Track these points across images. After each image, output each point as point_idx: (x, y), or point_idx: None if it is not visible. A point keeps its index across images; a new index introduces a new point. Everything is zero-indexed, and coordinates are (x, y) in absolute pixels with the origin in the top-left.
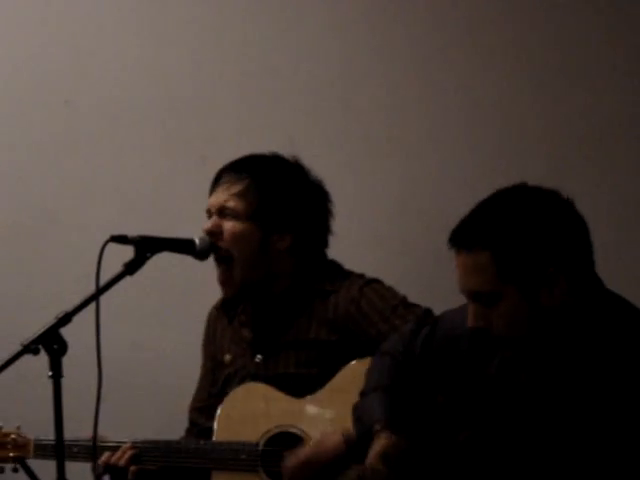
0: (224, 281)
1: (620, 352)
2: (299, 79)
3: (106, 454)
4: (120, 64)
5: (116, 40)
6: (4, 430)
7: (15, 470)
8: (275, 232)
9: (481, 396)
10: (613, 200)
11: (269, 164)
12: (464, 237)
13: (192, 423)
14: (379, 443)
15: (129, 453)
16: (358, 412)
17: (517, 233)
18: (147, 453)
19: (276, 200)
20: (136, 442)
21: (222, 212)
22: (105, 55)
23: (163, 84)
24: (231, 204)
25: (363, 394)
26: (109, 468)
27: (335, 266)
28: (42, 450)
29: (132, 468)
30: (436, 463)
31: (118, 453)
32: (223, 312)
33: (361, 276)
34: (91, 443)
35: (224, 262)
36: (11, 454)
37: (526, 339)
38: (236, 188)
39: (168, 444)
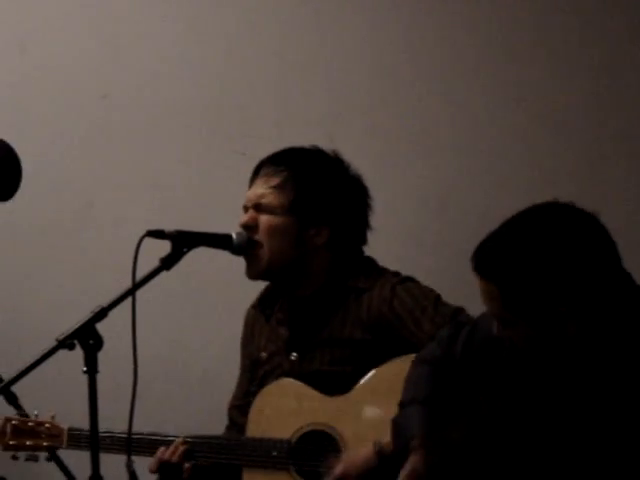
0: (249, 260)
1: None
2: (337, 75)
3: (160, 450)
4: (158, 59)
5: (155, 35)
6: (39, 419)
7: (49, 459)
8: (312, 225)
9: (524, 393)
10: None
11: (308, 157)
12: (479, 264)
13: (231, 421)
14: (411, 462)
15: (182, 449)
16: (397, 426)
17: (526, 276)
18: (200, 448)
19: (314, 193)
20: (191, 436)
21: (258, 207)
22: (143, 50)
23: (201, 79)
24: (267, 199)
25: (402, 405)
26: (162, 465)
27: (370, 263)
28: (76, 440)
29: (187, 465)
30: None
31: (171, 448)
32: (260, 311)
33: (395, 274)
34: (125, 435)
35: (251, 248)
36: (45, 443)
37: (545, 361)
38: (274, 181)
39: (201, 438)
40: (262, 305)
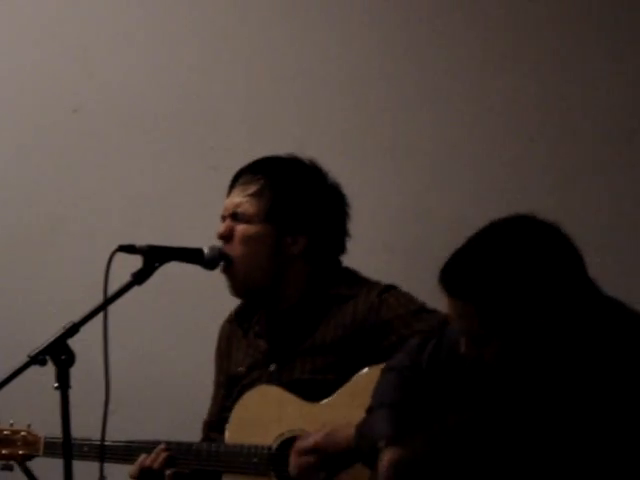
0: (229, 277)
1: (617, 356)
2: (309, 84)
3: (142, 456)
4: (129, 72)
5: (125, 49)
6: (14, 427)
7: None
8: (288, 234)
9: (489, 405)
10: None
11: (285, 165)
12: (449, 284)
13: (205, 437)
14: (388, 457)
15: (163, 455)
16: (362, 429)
17: (500, 289)
18: (183, 456)
19: (290, 201)
20: (170, 443)
21: (235, 216)
22: (114, 64)
23: (172, 93)
24: (243, 208)
25: (368, 411)
26: (142, 472)
27: (350, 273)
28: (52, 448)
29: (168, 472)
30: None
31: (152, 455)
32: (237, 324)
33: (377, 283)
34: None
35: (226, 265)
36: (20, 451)
37: (517, 375)
38: (250, 189)
39: (181, 445)
40: (239, 319)
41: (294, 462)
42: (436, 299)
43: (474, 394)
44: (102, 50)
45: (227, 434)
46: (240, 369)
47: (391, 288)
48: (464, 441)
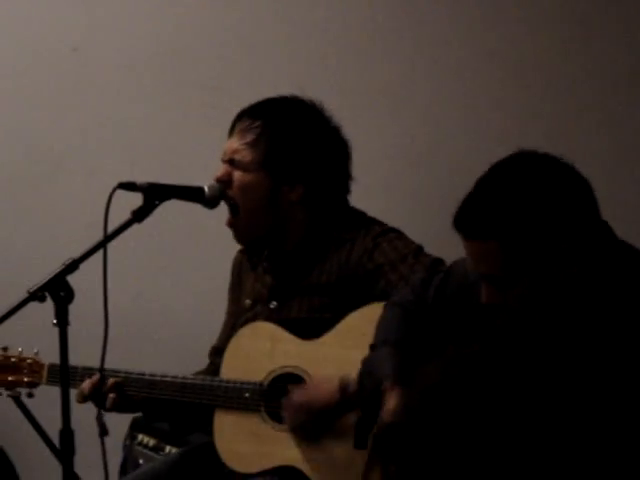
0: (232, 227)
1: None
2: (310, 24)
3: (86, 381)
4: (128, 13)
5: None
6: (22, 355)
7: (30, 395)
8: (285, 182)
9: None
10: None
11: (285, 109)
12: (469, 225)
13: (210, 362)
14: (392, 400)
15: (111, 381)
16: (367, 366)
17: (523, 221)
18: (132, 384)
19: (287, 149)
20: (130, 372)
21: (232, 162)
22: (113, 3)
23: (171, 33)
24: (240, 155)
25: (373, 347)
26: (89, 396)
27: (356, 213)
28: (55, 376)
29: (111, 395)
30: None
31: (94, 379)
32: (247, 258)
33: (380, 224)
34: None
35: (231, 211)
36: (25, 379)
37: (542, 317)
38: (248, 136)
39: (174, 378)
40: (248, 253)
41: (287, 419)
42: (435, 243)
43: (482, 330)
44: None
45: (222, 369)
46: (246, 301)
47: (389, 232)
48: (472, 372)
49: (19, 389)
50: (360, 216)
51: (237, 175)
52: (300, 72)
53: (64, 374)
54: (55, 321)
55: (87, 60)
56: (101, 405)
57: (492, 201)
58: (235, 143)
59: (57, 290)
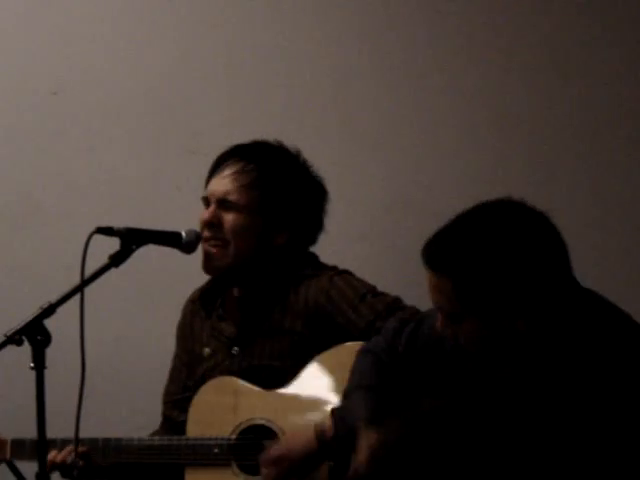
0: (208, 256)
1: (596, 354)
2: (289, 73)
3: (51, 452)
4: (108, 57)
5: (104, 33)
6: None
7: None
8: (275, 227)
9: (465, 392)
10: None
11: (276, 155)
12: (430, 257)
13: (165, 417)
14: (367, 441)
15: (79, 450)
16: (340, 412)
17: (480, 267)
18: (98, 452)
19: (280, 195)
20: (95, 439)
21: (223, 203)
22: (93, 47)
23: (151, 77)
24: (234, 196)
25: (346, 394)
26: (56, 466)
27: (311, 257)
28: (19, 450)
29: (79, 464)
30: (425, 458)
31: (64, 452)
32: (201, 305)
33: (333, 268)
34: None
35: (220, 242)
36: None
37: (492, 357)
38: (242, 180)
39: (140, 441)
40: (203, 300)
41: (264, 475)
42: (411, 287)
43: (451, 380)
44: (81, 33)
45: (187, 427)
46: (206, 350)
47: (343, 272)
48: (438, 426)
49: None
50: (314, 258)
51: (230, 217)
52: (280, 118)
53: (40, 419)
54: (32, 365)
55: (66, 104)
56: (68, 475)
57: (456, 239)
58: (227, 185)
59: (34, 334)
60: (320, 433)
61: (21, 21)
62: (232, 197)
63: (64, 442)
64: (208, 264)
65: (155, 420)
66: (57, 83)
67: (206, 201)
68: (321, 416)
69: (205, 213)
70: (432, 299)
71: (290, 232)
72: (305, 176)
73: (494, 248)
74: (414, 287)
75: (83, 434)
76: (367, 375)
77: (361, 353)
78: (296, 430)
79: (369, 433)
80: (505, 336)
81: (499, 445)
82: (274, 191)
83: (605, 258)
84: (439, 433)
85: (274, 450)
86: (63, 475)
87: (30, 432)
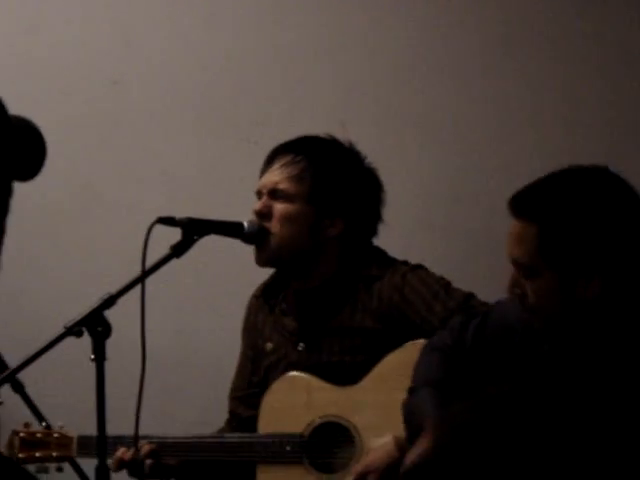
0: (260, 246)
1: None
2: (350, 61)
3: (120, 450)
4: (169, 46)
5: (166, 22)
6: (47, 430)
7: (59, 469)
8: (327, 217)
9: (533, 379)
10: None
11: (325, 147)
12: (519, 203)
13: (232, 413)
14: (418, 443)
15: (146, 448)
16: (408, 410)
17: (568, 219)
18: (170, 449)
19: (331, 184)
20: (162, 437)
21: (274, 193)
22: (155, 37)
23: (212, 67)
24: (284, 185)
25: (411, 391)
26: (124, 464)
27: (379, 253)
28: (86, 448)
29: (148, 462)
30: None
31: (133, 449)
32: (264, 300)
33: (404, 263)
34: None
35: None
36: (54, 453)
37: (555, 321)
38: (291, 170)
39: (213, 438)
40: (266, 295)
41: None
42: (469, 280)
43: (519, 371)
44: (143, 23)
45: (259, 425)
46: (268, 345)
47: (416, 268)
48: (505, 411)
49: (47, 464)
50: (383, 255)
51: (279, 206)
52: (339, 109)
53: (100, 412)
54: (93, 356)
55: (127, 93)
56: (138, 474)
57: (547, 188)
58: (277, 176)
59: (94, 325)
60: (399, 441)
61: (82, 11)
62: (282, 186)
63: (134, 439)
64: (257, 255)
65: (215, 416)
66: (118, 73)
67: (259, 195)
68: (394, 412)
69: (257, 204)
70: (510, 253)
71: (344, 222)
72: (357, 166)
73: (585, 200)
74: (472, 277)
75: (143, 430)
76: (433, 371)
77: (426, 350)
78: (376, 447)
79: (427, 433)
80: (577, 299)
81: (567, 436)
82: (324, 180)
83: None
84: (506, 418)
85: (358, 467)
86: (131, 474)
87: (92, 428)
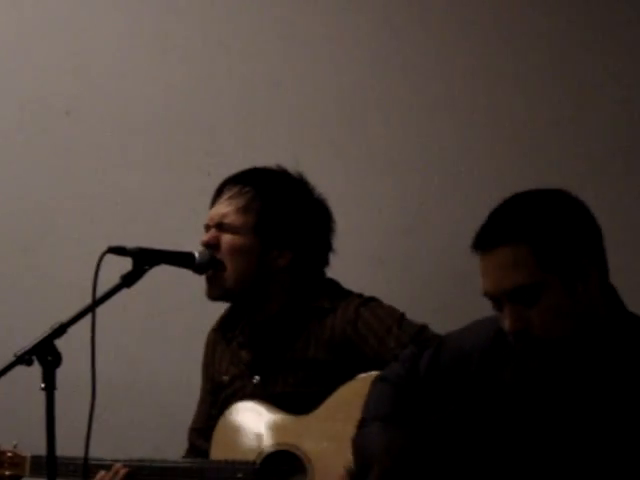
0: (210, 280)
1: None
2: (303, 94)
3: (100, 473)
4: (123, 76)
5: (119, 52)
6: (1, 448)
7: None
8: (275, 248)
9: (495, 403)
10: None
11: (273, 178)
12: (498, 233)
13: (191, 445)
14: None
15: (122, 472)
16: (357, 444)
17: (553, 225)
18: (140, 472)
19: (278, 215)
20: (131, 461)
21: (221, 226)
22: (108, 67)
23: (166, 97)
24: (230, 219)
25: (361, 423)
26: None
27: (333, 285)
28: (38, 468)
29: None
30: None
31: (110, 473)
32: (221, 334)
33: (359, 295)
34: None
35: (214, 267)
36: (7, 472)
37: (568, 340)
38: (239, 202)
39: (163, 463)
40: (223, 328)
41: None
42: (425, 311)
43: (475, 397)
44: (95, 52)
45: (211, 450)
46: (224, 377)
47: (370, 301)
48: (441, 436)
49: None
50: (337, 287)
51: (227, 238)
52: (293, 140)
53: (50, 440)
54: (43, 385)
55: (80, 123)
56: None
57: (517, 210)
58: (224, 208)
59: (45, 354)
60: (350, 471)
61: (34, 40)
62: (228, 219)
63: (112, 463)
64: (208, 289)
65: (168, 444)
66: (70, 103)
67: (207, 228)
68: (346, 442)
69: (205, 236)
70: (501, 285)
71: (293, 253)
72: (305, 197)
73: (555, 208)
74: (428, 309)
75: (96, 454)
76: (384, 405)
77: (378, 381)
78: (327, 473)
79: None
80: (576, 305)
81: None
82: (271, 212)
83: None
84: (443, 443)
85: None
86: None
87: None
